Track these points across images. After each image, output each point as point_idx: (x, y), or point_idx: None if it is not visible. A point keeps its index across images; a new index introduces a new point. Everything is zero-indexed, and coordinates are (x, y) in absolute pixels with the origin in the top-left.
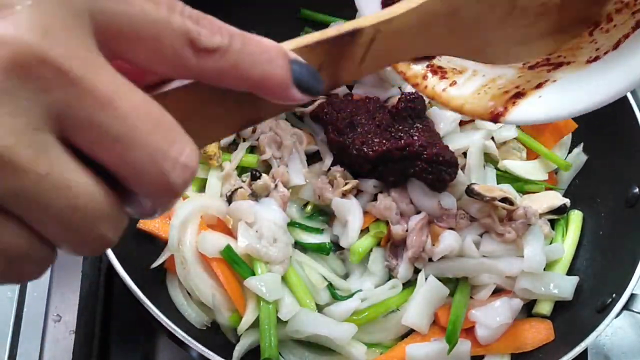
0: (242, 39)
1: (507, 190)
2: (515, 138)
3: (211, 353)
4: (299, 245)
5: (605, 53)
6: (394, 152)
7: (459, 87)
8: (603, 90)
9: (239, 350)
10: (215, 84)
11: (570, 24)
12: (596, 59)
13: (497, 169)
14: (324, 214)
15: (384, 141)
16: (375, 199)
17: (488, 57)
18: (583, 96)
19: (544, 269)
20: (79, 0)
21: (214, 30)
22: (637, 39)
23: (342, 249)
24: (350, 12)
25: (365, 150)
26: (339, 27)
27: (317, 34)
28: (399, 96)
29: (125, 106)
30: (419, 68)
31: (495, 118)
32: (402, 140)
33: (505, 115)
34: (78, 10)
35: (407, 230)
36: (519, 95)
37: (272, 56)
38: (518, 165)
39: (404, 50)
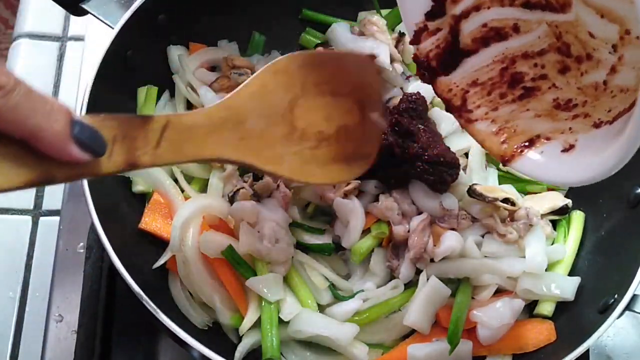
0: (27, 89)
1: (509, 190)
2: None
3: (213, 353)
4: (300, 246)
5: (608, 123)
6: (393, 152)
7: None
8: (595, 167)
9: (240, 350)
10: None
11: (354, 157)
12: (600, 125)
13: (499, 170)
14: (326, 214)
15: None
16: (376, 199)
17: (285, 170)
18: (577, 168)
19: (546, 270)
20: None
21: (2, 72)
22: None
23: (344, 249)
24: (350, 12)
25: None
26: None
27: (112, 115)
28: (401, 97)
29: None
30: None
31: (503, 162)
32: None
33: (512, 162)
34: None
35: (408, 231)
36: (530, 144)
37: (54, 110)
38: None
39: (198, 147)
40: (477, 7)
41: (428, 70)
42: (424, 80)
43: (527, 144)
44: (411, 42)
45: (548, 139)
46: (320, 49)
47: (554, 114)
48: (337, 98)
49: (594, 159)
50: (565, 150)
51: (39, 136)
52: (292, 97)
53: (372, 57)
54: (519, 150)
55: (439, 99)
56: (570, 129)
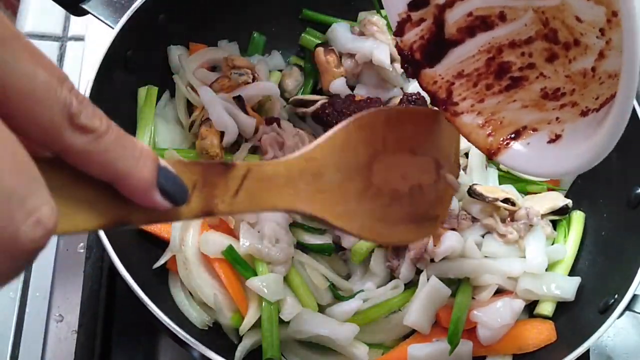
0: (118, 132)
1: (509, 190)
2: None
3: (213, 353)
4: (300, 246)
5: (595, 110)
6: None
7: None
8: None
9: (240, 350)
10: (79, 165)
11: (423, 218)
12: (587, 113)
13: (499, 170)
14: None
15: None
16: None
17: (354, 226)
18: (563, 158)
19: (546, 270)
20: None
21: (95, 114)
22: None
23: (344, 249)
24: (351, 12)
25: None
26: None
27: (197, 160)
28: (401, 97)
29: None
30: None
31: (489, 155)
32: None
33: (497, 155)
34: None
35: None
36: (516, 136)
37: (143, 156)
38: None
39: (274, 197)
40: None
41: (412, 63)
42: (408, 73)
43: (513, 136)
44: (395, 34)
45: (535, 130)
46: (395, 105)
47: (542, 104)
48: (416, 156)
49: (580, 148)
50: (551, 141)
51: (124, 180)
52: (372, 153)
53: (447, 114)
54: (504, 143)
55: None
56: (557, 118)
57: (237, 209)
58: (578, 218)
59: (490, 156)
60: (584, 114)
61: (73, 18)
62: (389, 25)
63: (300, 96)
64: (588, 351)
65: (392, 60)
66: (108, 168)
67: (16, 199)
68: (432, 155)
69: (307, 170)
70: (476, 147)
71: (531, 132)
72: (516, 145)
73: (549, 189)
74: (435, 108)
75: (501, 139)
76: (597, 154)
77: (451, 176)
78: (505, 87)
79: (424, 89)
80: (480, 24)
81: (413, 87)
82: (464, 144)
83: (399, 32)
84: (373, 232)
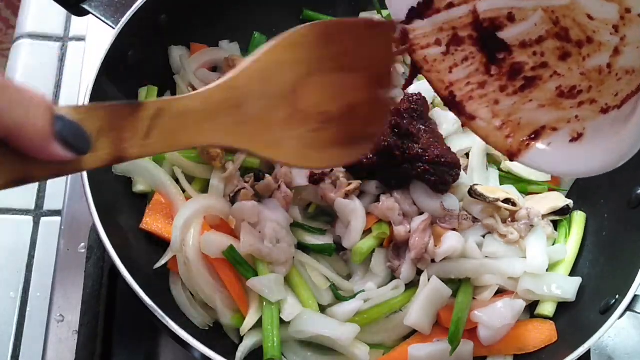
0: (5, 83)
1: (510, 191)
2: None
3: (214, 354)
4: (301, 246)
5: (616, 107)
6: (393, 156)
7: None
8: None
9: (241, 350)
10: None
11: (356, 139)
12: (608, 110)
13: (500, 170)
14: (327, 214)
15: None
16: (378, 200)
17: (282, 155)
18: (588, 157)
19: (547, 270)
20: None
21: None
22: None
23: (345, 249)
24: (351, 13)
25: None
26: (121, 101)
27: (100, 103)
28: (402, 97)
29: None
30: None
31: (510, 157)
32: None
33: (519, 156)
34: None
35: (409, 232)
36: (536, 136)
37: (33, 105)
38: (521, 166)
39: (191, 134)
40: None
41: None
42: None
43: (533, 136)
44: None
45: (554, 129)
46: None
47: (559, 103)
48: (347, 73)
49: (605, 146)
50: (574, 140)
51: (18, 134)
52: (299, 76)
53: (391, 25)
54: (525, 144)
55: (439, 99)
56: (576, 117)
57: (150, 151)
58: (579, 218)
59: (511, 157)
60: (604, 111)
61: (74, 18)
62: None
63: None
64: (589, 351)
65: None
66: None
67: None
68: (366, 70)
69: (226, 101)
70: (496, 149)
71: (551, 131)
72: (538, 146)
73: (550, 190)
74: (369, 17)
75: (521, 139)
76: (626, 151)
77: (385, 90)
78: (519, 88)
79: (437, 92)
80: (489, 26)
81: (414, 87)
82: (464, 144)
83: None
84: (303, 158)
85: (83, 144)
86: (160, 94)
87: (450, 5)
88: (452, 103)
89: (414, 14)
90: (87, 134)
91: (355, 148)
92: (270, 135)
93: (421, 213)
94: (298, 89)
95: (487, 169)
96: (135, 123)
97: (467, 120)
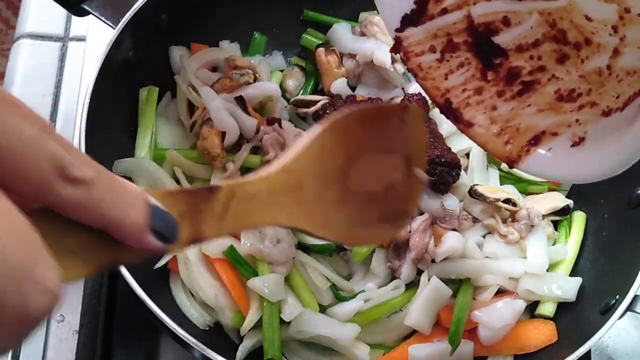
0: (109, 177)
1: (510, 191)
2: None
3: (214, 354)
4: (302, 246)
5: (618, 110)
6: None
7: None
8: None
9: (242, 350)
10: (72, 216)
11: (396, 215)
12: (610, 113)
13: (500, 170)
14: None
15: None
16: None
17: (334, 235)
18: (591, 162)
19: (547, 270)
20: None
21: (85, 163)
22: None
23: (345, 249)
24: (352, 13)
25: None
26: (199, 186)
27: (179, 188)
28: (402, 97)
29: None
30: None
31: (510, 164)
32: None
33: (519, 163)
34: None
35: (410, 232)
36: (536, 141)
37: (134, 199)
38: None
39: (260, 215)
40: (461, 5)
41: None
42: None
43: (533, 142)
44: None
45: (555, 134)
46: (362, 101)
47: (558, 107)
48: (388, 154)
49: (608, 150)
50: (575, 144)
51: (118, 227)
52: (348, 157)
53: (421, 110)
54: (525, 150)
55: None
56: (577, 120)
57: (224, 232)
58: (579, 218)
59: (511, 164)
60: (605, 114)
61: (74, 18)
62: None
63: (301, 97)
64: (589, 352)
65: (393, 61)
66: (101, 217)
67: (24, 272)
68: (403, 151)
69: (287, 183)
70: (495, 156)
71: (551, 136)
72: (538, 152)
73: (550, 190)
74: (402, 102)
75: (521, 145)
76: (630, 155)
77: (421, 171)
78: (517, 93)
79: (432, 100)
80: (484, 30)
81: (414, 87)
82: (464, 144)
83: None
84: (351, 237)
85: (172, 234)
86: (161, 94)
87: (444, 11)
88: (448, 110)
89: (408, 21)
90: (175, 224)
91: (394, 224)
92: (324, 215)
93: (421, 213)
94: (349, 170)
95: (487, 169)
96: (213, 206)
97: (464, 127)
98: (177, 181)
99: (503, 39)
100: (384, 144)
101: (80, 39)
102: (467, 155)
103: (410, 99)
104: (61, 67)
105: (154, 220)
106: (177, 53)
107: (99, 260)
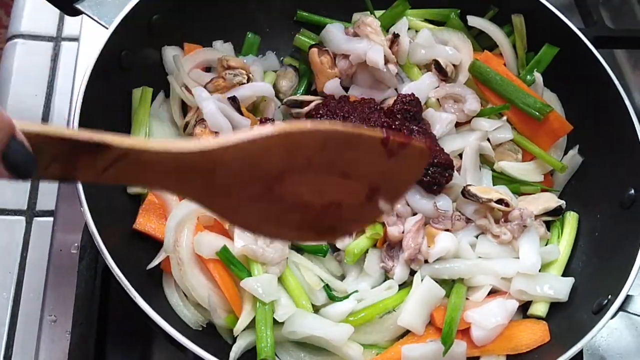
0: None
1: (503, 191)
2: (511, 139)
3: (207, 354)
4: (295, 247)
5: None
6: None
7: None
8: None
9: (235, 351)
10: None
11: (324, 228)
12: None
13: (493, 171)
14: None
15: None
16: None
17: (235, 218)
18: None
19: (540, 270)
20: None
21: None
22: None
23: (339, 250)
24: (345, 13)
25: None
26: (91, 134)
27: (67, 131)
28: (395, 97)
29: None
30: None
31: None
32: None
33: None
34: None
35: (403, 232)
36: None
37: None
38: (514, 167)
39: (152, 179)
40: None
41: None
42: None
43: None
44: None
45: None
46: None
47: None
48: (346, 179)
49: None
50: None
51: None
52: (288, 169)
53: (425, 150)
54: None
55: (433, 99)
56: None
57: (99, 182)
58: (572, 219)
59: None
60: None
61: (67, 18)
62: (383, 27)
63: (294, 97)
64: (581, 351)
65: (386, 62)
66: None
67: None
68: (371, 182)
69: (199, 167)
70: None
71: None
72: None
73: (543, 190)
74: (408, 137)
75: None
76: None
77: (385, 204)
78: None
79: None
80: None
81: (407, 88)
82: (457, 145)
83: None
84: (256, 227)
85: (27, 170)
86: (154, 94)
87: None
88: None
89: None
90: (33, 163)
91: (321, 235)
92: (229, 200)
93: (415, 214)
94: (283, 178)
95: (480, 169)
96: (95, 161)
97: None
98: None
99: None
100: (347, 170)
101: (73, 39)
102: (460, 155)
103: (403, 99)
104: (54, 67)
105: (9, 151)
106: (170, 53)
107: None
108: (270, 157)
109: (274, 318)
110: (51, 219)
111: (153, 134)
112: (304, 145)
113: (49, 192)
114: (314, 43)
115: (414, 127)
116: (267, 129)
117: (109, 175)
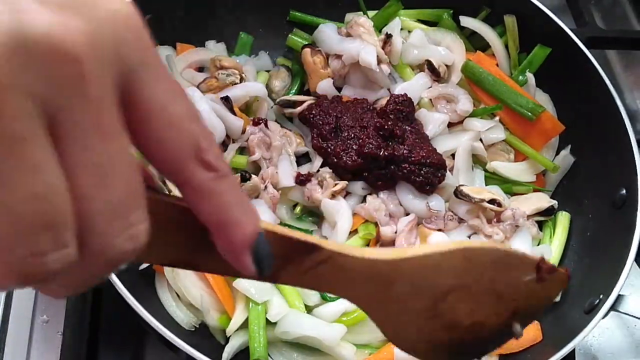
0: (236, 182)
1: (495, 191)
2: (503, 140)
3: (200, 355)
4: None
5: None
6: (378, 158)
7: None
8: None
9: (228, 351)
10: (191, 200)
11: (461, 352)
12: None
13: (486, 171)
14: (314, 215)
15: (365, 150)
16: (364, 200)
17: (397, 338)
18: None
19: None
20: (125, 52)
21: (221, 156)
22: None
23: None
24: (338, 13)
25: (345, 159)
26: (305, 235)
27: (287, 230)
28: (387, 98)
29: (115, 147)
30: None
31: None
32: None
33: None
34: (120, 57)
35: (396, 232)
36: None
37: (252, 212)
38: (506, 167)
39: (339, 287)
40: None
41: None
42: None
43: None
44: None
45: None
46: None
47: None
48: (498, 300)
49: None
50: None
51: (227, 230)
52: (458, 284)
53: (568, 277)
54: None
55: (425, 100)
56: None
57: (297, 284)
58: (564, 219)
59: None
60: None
61: None
62: (375, 27)
63: (287, 97)
64: (573, 351)
65: (379, 62)
66: (219, 211)
67: (122, 209)
68: (514, 303)
69: (384, 275)
70: None
71: None
72: None
73: (535, 190)
74: (551, 266)
75: None
76: None
77: (519, 329)
78: None
79: None
80: None
81: (400, 88)
82: (450, 145)
83: None
84: (412, 348)
85: (267, 268)
86: None
87: None
88: None
89: None
90: (273, 261)
91: (458, 356)
92: (397, 318)
93: (407, 214)
94: (449, 294)
95: (472, 169)
96: (303, 260)
97: None
98: (164, 181)
99: None
100: (502, 290)
101: None
102: (453, 156)
103: (396, 99)
104: None
105: (257, 244)
106: (163, 53)
107: (180, 255)
108: (447, 272)
109: (266, 318)
110: None
111: None
112: (478, 263)
113: None
114: (306, 43)
115: (407, 127)
116: (450, 244)
117: (308, 278)
